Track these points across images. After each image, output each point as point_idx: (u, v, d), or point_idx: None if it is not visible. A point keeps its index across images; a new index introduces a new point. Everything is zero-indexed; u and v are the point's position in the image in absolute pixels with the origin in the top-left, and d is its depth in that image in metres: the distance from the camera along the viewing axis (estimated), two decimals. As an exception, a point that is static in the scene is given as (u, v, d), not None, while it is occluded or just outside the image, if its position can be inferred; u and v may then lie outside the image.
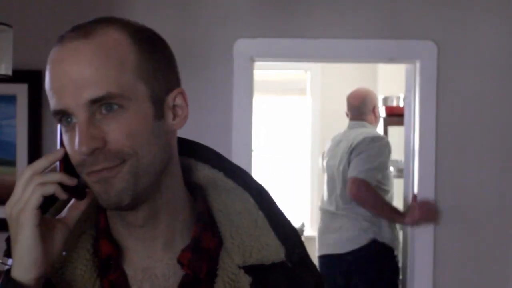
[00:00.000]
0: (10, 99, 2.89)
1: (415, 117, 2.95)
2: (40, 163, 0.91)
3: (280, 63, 4.75)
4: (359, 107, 3.65)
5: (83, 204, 0.94)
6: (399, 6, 2.89)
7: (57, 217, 0.94)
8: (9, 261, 0.94)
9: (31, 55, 2.91)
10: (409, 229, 3.03)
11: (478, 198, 2.90)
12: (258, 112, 4.82)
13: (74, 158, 0.91)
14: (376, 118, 3.72)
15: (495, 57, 2.88)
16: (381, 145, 3.42)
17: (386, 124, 4.52)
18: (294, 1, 2.90)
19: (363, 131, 3.51)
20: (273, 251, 0.98)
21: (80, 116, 0.89)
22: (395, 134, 4.43)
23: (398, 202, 4.44)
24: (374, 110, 3.67)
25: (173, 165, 0.97)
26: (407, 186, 3.07)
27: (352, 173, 3.30)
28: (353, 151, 3.38)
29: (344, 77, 5.67)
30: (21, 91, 2.88)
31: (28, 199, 0.88)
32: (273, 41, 2.89)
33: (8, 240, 0.95)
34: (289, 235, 1.01)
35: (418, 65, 2.91)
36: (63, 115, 0.91)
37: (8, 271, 0.91)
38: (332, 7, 2.89)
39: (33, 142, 2.89)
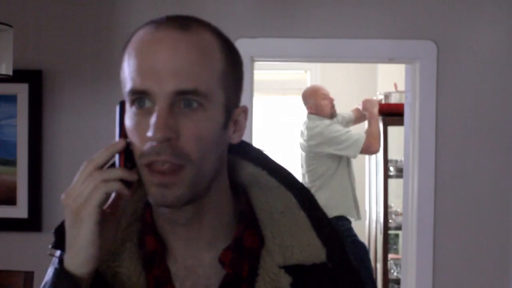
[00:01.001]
0: (11, 99, 2.90)
1: (415, 116, 2.95)
2: (102, 156, 0.90)
3: (280, 63, 4.75)
4: (303, 103, 4.39)
5: (128, 194, 0.93)
6: (399, 6, 2.89)
7: (104, 208, 0.93)
8: (57, 253, 0.95)
9: (31, 55, 2.92)
10: (409, 228, 3.04)
11: (478, 198, 2.90)
12: (258, 112, 4.82)
13: (140, 146, 0.90)
14: (317, 112, 4.33)
15: (494, 56, 2.89)
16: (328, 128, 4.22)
17: (386, 124, 4.52)
18: (294, 1, 2.91)
19: (312, 125, 4.26)
20: (314, 251, 0.98)
21: (161, 102, 0.89)
22: (395, 134, 4.44)
23: (397, 202, 4.45)
24: (311, 107, 4.32)
25: (222, 172, 0.98)
26: (407, 185, 3.07)
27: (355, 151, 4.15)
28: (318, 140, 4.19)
29: (344, 77, 5.68)
30: (21, 90, 2.89)
31: (90, 195, 0.88)
32: (273, 41, 2.90)
33: (57, 232, 0.96)
34: (330, 236, 1.00)
35: (418, 65, 2.91)
36: (139, 97, 0.90)
37: (60, 261, 0.91)
38: (332, 7, 2.90)
39: (34, 142, 2.89)
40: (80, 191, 0.88)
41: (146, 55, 0.90)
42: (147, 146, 0.89)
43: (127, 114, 0.93)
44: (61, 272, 0.89)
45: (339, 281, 0.98)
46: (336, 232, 1.02)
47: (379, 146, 4.25)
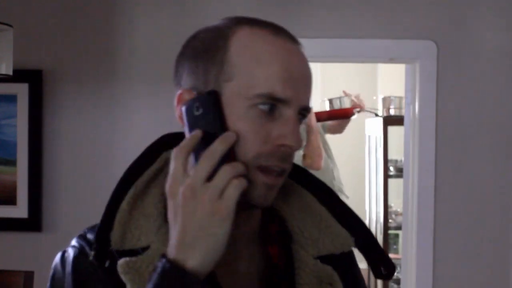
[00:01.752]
0: (11, 99, 2.90)
1: (415, 116, 2.96)
2: (222, 148, 0.87)
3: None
4: None
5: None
6: (399, 6, 2.89)
7: None
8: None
9: (32, 54, 2.92)
10: (409, 228, 3.04)
11: (478, 198, 2.90)
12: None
13: (257, 147, 0.89)
14: None
15: (494, 57, 2.89)
16: None
17: (386, 123, 4.53)
18: (294, 1, 2.91)
19: None
20: (344, 241, 1.02)
21: (295, 113, 0.91)
22: (395, 134, 4.44)
23: (397, 202, 4.46)
24: None
25: None
26: (407, 185, 3.07)
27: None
28: None
29: (344, 77, 5.69)
30: (21, 90, 2.89)
31: (227, 191, 0.84)
32: (273, 41, 2.89)
33: (103, 238, 0.91)
34: (354, 224, 1.03)
35: (418, 65, 2.92)
36: (269, 102, 0.89)
37: (168, 261, 0.83)
38: (332, 7, 2.90)
39: (34, 142, 2.89)
40: (213, 186, 0.84)
41: (283, 62, 0.90)
42: (270, 149, 0.90)
43: (240, 113, 0.90)
44: (186, 275, 0.82)
45: (370, 264, 1.03)
46: (358, 220, 1.05)
47: (321, 163, 4.03)
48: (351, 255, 1.06)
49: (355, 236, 1.02)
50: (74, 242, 0.97)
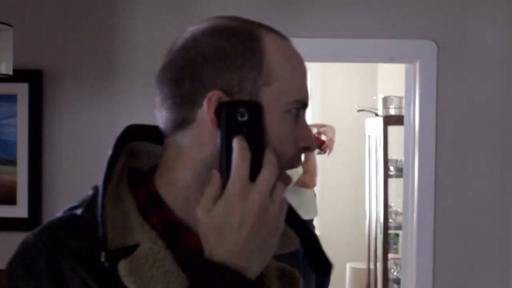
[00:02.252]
0: (11, 99, 2.90)
1: (415, 116, 2.96)
2: (276, 160, 0.87)
3: (280, 63, 4.74)
4: None
5: None
6: (399, 5, 2.89)
7: None
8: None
9: (32, 54, 2.92)
10: (409, 228, 3.04)
11: (478, 198, 2.90)
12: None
13: (290, 151, 0.92)
14: None
15: (494, 56, 2.89)
16: None
17: (386, 123, 4.53)
18: (294, 1, 2.91)
19: None
20: (290, 241, 1.02)
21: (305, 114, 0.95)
22: (395, 134, 4.44)
23: (397, 202, 4.45)
24: None
25: None
26: (407, 185, 3.07)
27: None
28: None
29: (344, 77, 5.68)
30: (21, 90, 2.89)
31: (282, 204, 0.86)
32: (273, 40, 2.89)
33: (104, 234, 0.88)
34: (298, 224, 1.04)
35: (418, 64, 2.92)
36: (300, 106, 0.93)
37: (230, 270, 0.83)
38: (332, 7, 2.90)
39: (34, 142, 2.89)
40: (278, 200, 0.86)
41: (304, 69, 0.96)
42: (298, 151, 0.93)
43: (277, 117, 0.90)
44: (242, 281, 0.84)
45: (310, 262, 1.04)
46: (300, 219, 1.05)
47: (315, 182, 4.23)
48: (298, 254, 1.06)
49: (301, 237, 1.03)
50: (39, 234, 0.96)
